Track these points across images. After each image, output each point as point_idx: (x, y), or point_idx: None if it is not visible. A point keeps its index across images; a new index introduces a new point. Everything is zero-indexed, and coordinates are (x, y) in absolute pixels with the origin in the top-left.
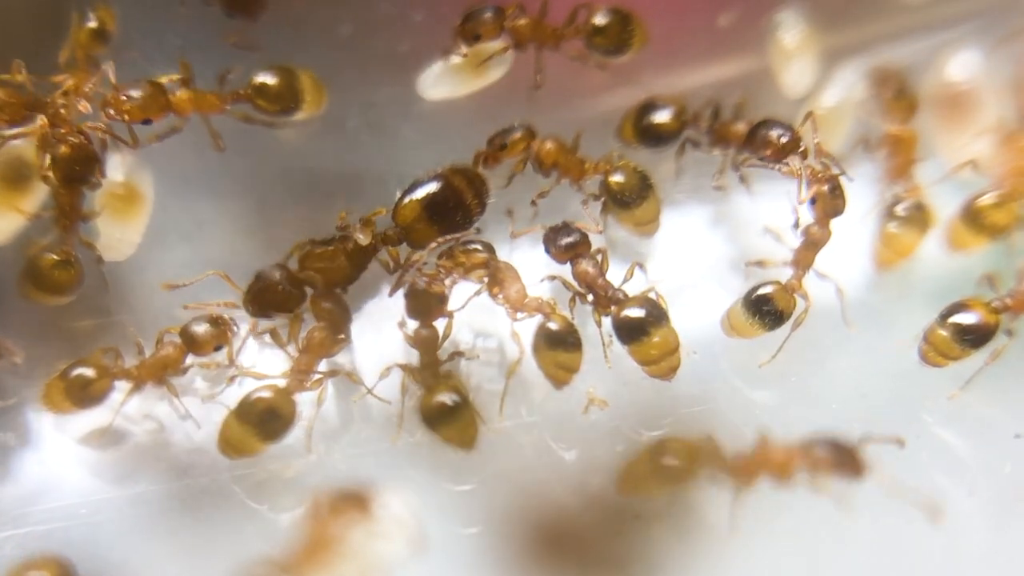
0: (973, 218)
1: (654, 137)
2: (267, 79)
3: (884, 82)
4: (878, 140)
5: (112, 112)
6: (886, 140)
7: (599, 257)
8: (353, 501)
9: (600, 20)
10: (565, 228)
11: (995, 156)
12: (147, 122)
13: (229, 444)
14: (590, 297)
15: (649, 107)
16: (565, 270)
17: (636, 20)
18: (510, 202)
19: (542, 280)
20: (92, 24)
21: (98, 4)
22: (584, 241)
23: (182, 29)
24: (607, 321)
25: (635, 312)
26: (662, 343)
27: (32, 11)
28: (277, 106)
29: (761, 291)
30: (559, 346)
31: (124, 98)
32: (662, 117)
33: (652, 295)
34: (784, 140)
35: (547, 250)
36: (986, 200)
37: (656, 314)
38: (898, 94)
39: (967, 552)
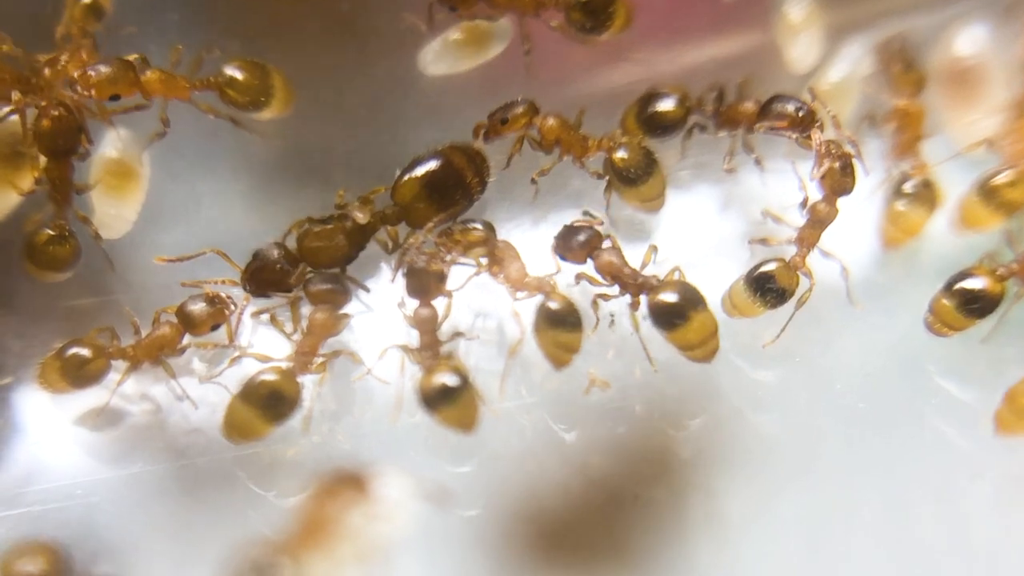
0: (989, 196)
1: (660, 126)
2: (239, 71)
3: (893, 55)
4: (885, 115)
5: (80, 88)
6: (894, 114)
7: (608, 243)
8: (351, 482)
9: None
10: (573, 229)
11: (1007, 134)
12: (115, 98)
13: (234, 427)
14: (616, 290)
15: (651, 97)
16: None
17: (620, 1)
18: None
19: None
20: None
21: None
22: (596, 235)
23: (179, 5)
24: (604, 305)
25: (671, 297)
26: (700, 327)
27: None
28: (246, 98)
29: (764, 268)
30: (560, 326)
31: (91, 73)
32: (666, 105)
33: (676, 275)
34: (802, 113)
35: (562, 257)
36: (1003, 178)
37: (692, 297)
38: (907, 67)
39: (972, 537)
